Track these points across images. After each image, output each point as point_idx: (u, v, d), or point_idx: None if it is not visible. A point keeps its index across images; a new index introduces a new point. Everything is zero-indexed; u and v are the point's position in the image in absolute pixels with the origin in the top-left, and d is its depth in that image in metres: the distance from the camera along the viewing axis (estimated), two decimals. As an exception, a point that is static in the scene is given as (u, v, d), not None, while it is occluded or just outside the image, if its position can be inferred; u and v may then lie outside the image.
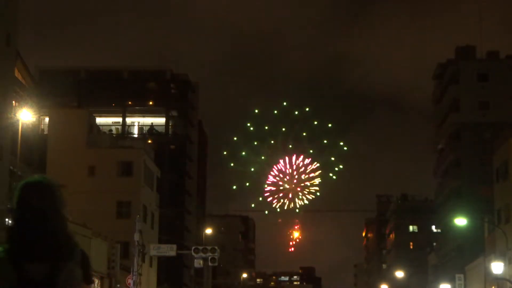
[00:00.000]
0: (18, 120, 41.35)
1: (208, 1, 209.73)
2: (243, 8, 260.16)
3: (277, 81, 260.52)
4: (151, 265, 61.84)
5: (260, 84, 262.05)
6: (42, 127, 69.44)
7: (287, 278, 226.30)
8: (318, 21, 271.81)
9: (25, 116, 41.60)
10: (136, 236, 41.68)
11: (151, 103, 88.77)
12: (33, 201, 4.19)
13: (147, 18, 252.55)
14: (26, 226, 4.17)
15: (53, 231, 4.20)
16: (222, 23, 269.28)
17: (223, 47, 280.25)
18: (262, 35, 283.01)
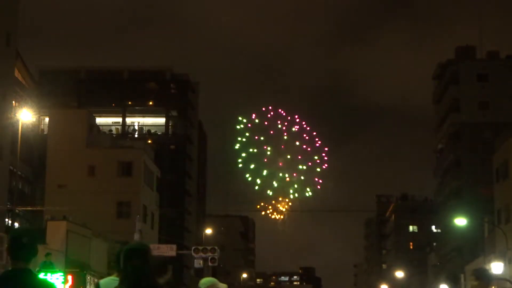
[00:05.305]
0: (18, 120, 41.37)
1: (211, 8, 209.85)
2: (248, 19, 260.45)
3: (278, 84, 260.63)
4: (151, 265, 61.78)
5: (260, 88, 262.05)
6: (42, 127, 69.41)
7: (287, 278, 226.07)
8: (321, 34, 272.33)
9: (25, 116, 41.61)
10: (136, 236, 41.66)
11: (151, 103, 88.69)
12: (134, 260, 6.26)
13: (148, 19, 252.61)
14: (129, 275, 6.23)
15: (146, 278, 6.21)
16: (225, 31, 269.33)
17: (227, 56, 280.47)
18: (265, 45, 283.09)
